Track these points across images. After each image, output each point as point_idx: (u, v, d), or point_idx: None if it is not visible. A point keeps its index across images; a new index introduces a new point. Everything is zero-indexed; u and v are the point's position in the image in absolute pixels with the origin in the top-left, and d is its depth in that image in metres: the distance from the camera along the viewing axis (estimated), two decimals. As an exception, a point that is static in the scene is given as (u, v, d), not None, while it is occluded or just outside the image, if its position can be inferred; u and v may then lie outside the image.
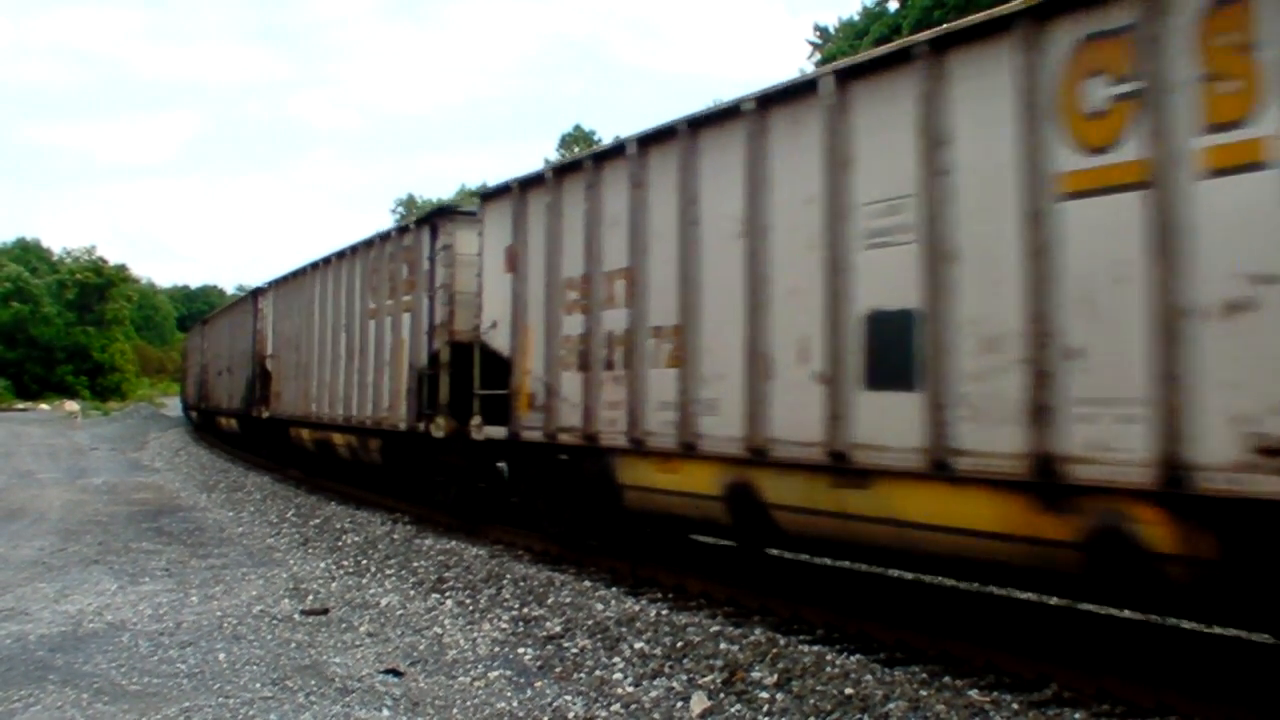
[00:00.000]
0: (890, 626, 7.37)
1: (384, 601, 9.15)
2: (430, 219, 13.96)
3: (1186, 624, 7.31)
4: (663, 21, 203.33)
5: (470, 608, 8.92)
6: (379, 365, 15.26)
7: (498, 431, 11.36)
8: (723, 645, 7.11)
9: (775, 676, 6.47)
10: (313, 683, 6.59)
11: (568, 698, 6.34)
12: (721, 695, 6.27)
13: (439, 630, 8.11)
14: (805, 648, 6.98)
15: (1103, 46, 5.69)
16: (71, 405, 56.67)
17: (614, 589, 9.20)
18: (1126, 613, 7.74)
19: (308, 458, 20.09)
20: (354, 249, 16.96)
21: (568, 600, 8.75)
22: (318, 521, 14.23)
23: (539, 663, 7.18)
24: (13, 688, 6.37)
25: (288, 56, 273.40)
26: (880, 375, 6.82)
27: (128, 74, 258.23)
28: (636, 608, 8.30)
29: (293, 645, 7.56)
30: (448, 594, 9.48)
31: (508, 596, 9.14)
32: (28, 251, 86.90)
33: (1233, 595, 5.38)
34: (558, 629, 7.97)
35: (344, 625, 8.25)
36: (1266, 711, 5.38)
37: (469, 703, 6.25)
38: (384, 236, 15.69)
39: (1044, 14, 5.92)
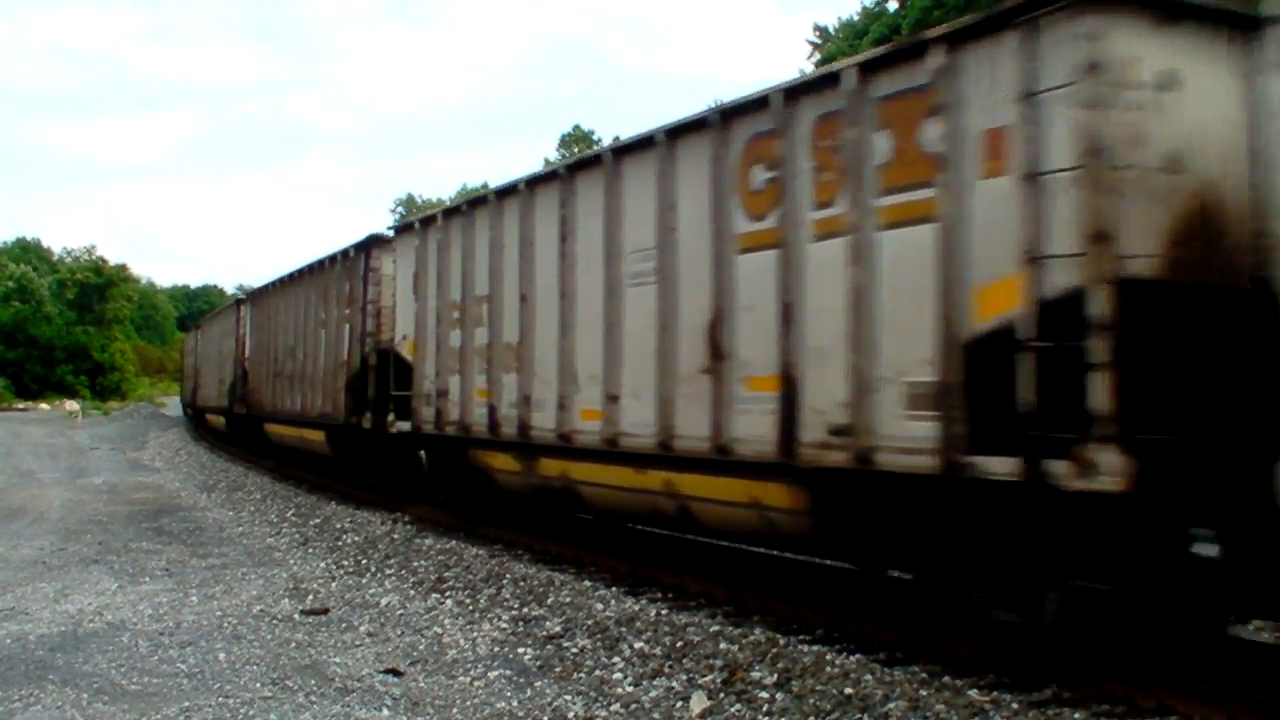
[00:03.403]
0: (890, 626, 7.38)
1: (384, 601, 9.15)
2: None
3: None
4: (659, 22, 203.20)
5: (470, 607, 8.92)
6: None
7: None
8: (722, 645, 7.11)
9: (775, 676, 6.47)
10: (313, 682, 6.59)
11: (567, 698, 6.34)
12: (721, 695, 6.27)
13: (439, 630, 8.11)
14: (805, 647, 6.98)
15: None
16: (71, 405, 56.62)
17: (614, 589, 9.20)
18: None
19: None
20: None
21: (567, 600, 8.75)
22: (318, 521, 14.23)
23: (539, 662, 7.18)
24: (13, 687, 6.37)
25: (285, 57, 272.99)
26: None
27: (126, 74, 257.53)
28: (636, 607, 8.30)
29: (293, 645, 7.56)
30: (447, 594, 9.48)
31: (507, 596, 9.14)
32: (27, 251, 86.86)
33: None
34: (557, 629, 7.98)
35: (344, 625, 8.25)
36: (1267, 712, 5.39)
37: (469, 703, 6.25)
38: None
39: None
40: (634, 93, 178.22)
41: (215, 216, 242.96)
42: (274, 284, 22.69)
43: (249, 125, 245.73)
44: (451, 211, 12.82)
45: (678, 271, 8.52)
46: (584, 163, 10.05)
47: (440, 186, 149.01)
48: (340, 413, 16.62)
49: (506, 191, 11.38)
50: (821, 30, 38.74)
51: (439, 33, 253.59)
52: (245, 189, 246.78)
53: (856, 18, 35.14)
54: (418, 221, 13.81)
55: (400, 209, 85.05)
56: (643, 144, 9.07)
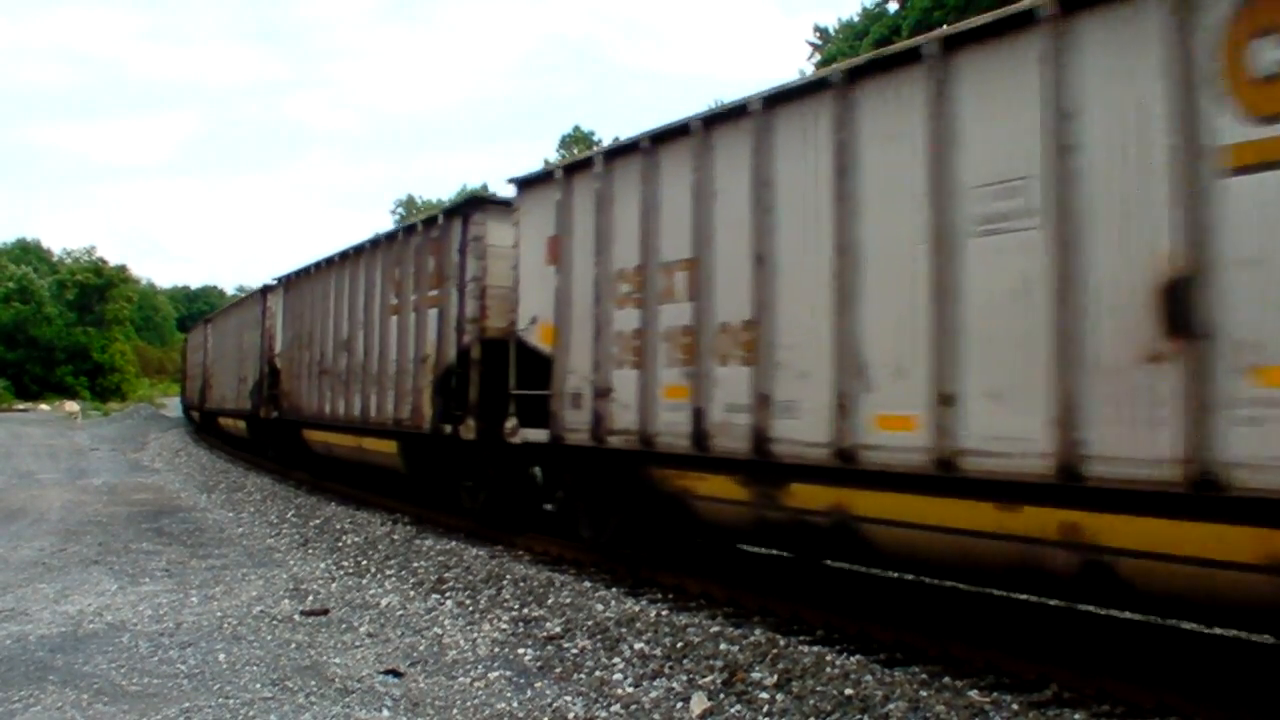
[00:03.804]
0: (890, 627, 7.38)
1: (384, 602, 9.15)
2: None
3: (1186, 625, 7.31)
4: (658, 22, 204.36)
5: (470, 608, 8.92)
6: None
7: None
8: (723, 646, 7.12)
9: (775, 677, 6.47)
10: (313, 683, 6.59)
11: (568, 698, 6.34)
12: (721, 696, 6.27)
13: (439, 631, 8.11)
14: (805, 648, 6.98)
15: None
16: (71, 406, 56.67)
17: (614, 589, 9.20)
18: (1126, 614, 7.74)
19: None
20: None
21: (568, 601, 8.75)
22: (318, 522, 14.23)
23: (539, 663, 7.18)
24: (13, 688, 6.37)
25: (285, 57, 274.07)
26: None
27: (125, 75, 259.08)
28: (636, 608, 8.30)
29: (293, 646, 7.56)
30: (448, 594, 9.49)
31: (507, 597, 9.14)
32: (28, 252, 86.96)
33: None
34: (558, 629, 7.98)
35: (344, 626, 8.25)
36: (1266, 712, 5.38)
37: (469, 703, 6.25)
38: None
39: None
40: (634, 93, 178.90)
41: (215, 217, 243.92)
42: (316, 265, 18.94)
43: (249, 125, 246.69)
44: (619, 151, 9.74)
45: (1083, 211, 5.78)
46: (879, 64, 7.02)
47: (440, 187, 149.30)
48: (423, 419, 13.36)
49: (720, 118, 8.48)
50: (822, 31, 38.82)
51: (439, 33, 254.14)
52: (245, 189, 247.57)
53: (857, 19, 35.19)
54: (560, 169, 10.57)
55: (400, 209, 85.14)
56: (1001, 28, 6.21)
